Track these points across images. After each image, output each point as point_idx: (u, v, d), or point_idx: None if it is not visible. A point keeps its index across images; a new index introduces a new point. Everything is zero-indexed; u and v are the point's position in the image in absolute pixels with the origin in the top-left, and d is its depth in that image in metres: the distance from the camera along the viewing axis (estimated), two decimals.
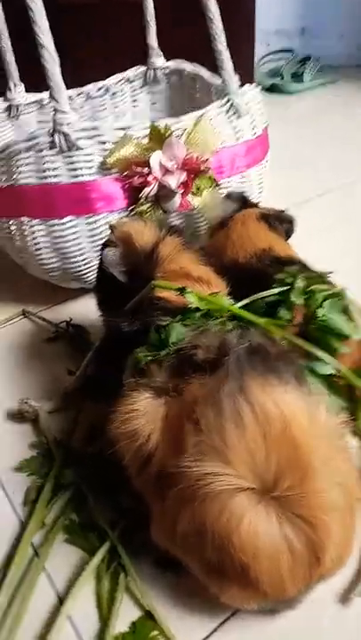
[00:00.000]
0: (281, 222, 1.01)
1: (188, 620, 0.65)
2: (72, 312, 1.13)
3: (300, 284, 0.74)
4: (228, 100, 1.12)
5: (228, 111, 1.12)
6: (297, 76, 2.44)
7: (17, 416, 0.89)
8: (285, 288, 0.75)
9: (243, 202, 1.05)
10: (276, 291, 0.76)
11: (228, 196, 1.06)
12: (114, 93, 1.43)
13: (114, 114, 1.47)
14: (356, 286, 0.81)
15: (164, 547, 0.65)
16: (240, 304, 0.74)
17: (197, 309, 0.72)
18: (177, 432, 0.62)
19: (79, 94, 1.38)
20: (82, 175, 1.00)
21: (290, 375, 0.62)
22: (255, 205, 1.06)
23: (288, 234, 1.04)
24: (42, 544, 0.72)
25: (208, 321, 0.72)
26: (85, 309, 1.14)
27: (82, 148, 0.98)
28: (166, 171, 1.03)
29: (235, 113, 1.13)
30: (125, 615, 0.65)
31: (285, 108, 2.25)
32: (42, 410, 0.88)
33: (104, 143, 1.00)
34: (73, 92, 1.36)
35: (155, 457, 0.62)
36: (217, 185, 1.09)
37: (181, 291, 0.71)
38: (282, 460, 0.56)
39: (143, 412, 0.65)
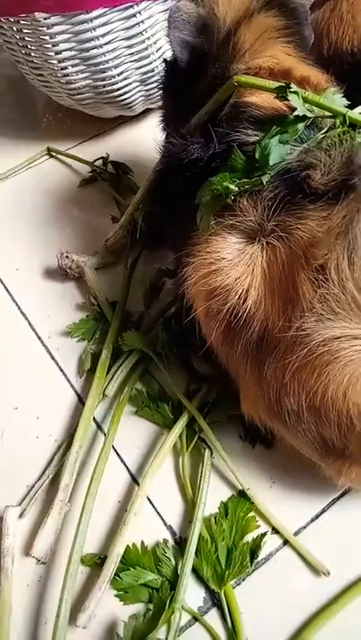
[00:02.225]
0: None
1: (289, 499, 0.55)
2: (108, 148, 0.90)
3: None
4: None
5: None
6: None
7: (58, 273, 0.74)
8: None
9: None
10: None
11: None
12: None
13: None
14: None
15: (260, 422, 0.54)
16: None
17: (302, 118, 0.51)
18: (287, 283, 0.46)
19: None
20: None
21: None
22: None
23: None
24: (106, 418, 0.62)
25: (318, 134, 0.51)
26: (125, 143, 0.92)
27: None
28: None
29: None
30: (213, 496, 0.55)
31: None
32: (87, 266, 0.73)
33: None
34: None
35: (255, 318, 0.47)
36: None
37: (282, 91, 0.49)
38: None
39: (234, 261, 0.48)
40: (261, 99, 0.52)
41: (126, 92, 0.85)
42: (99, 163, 0.87)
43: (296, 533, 0.54)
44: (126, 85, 0.84)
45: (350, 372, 0.43)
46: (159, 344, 0.63)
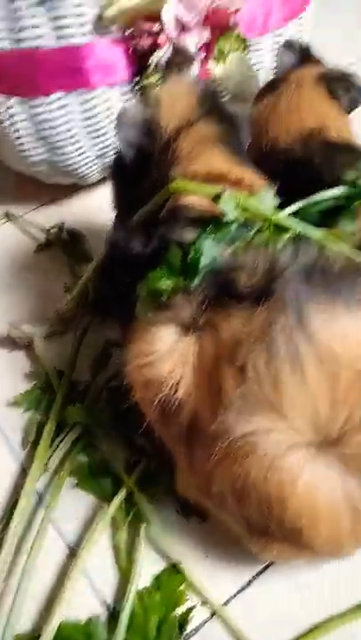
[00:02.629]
0: (346, 88, 0.80)
1: (219, 571, 0.58)
2: (64, 214, 0.95)
3: None
4: None
5: None
6: None
7: (7, 342, 0.76)
8: (348, 191, 0.59)
9: (304, 55, 0.82)
10: (335, 193, 0.60)
11: (287, 46, 0.83)
12: None
13: None
14: None
15: (192, 499, 0.57)
16: (288, 210, 0.59)
17: (234, 221, 0.56)
18: (213, 378, 0.50)
19: None
20: (72, 36, 0.76)
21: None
22: (321, 63, 0.83)
23: (352, 105, 0.83)
24: (48, 491, 0.64)
25: (248, 234, 0.57)
26: (80, 210, 0.97)
27: None
28: (183, 27, 0.80)
29: None
30: (148, 569, 0.58)
31: None
32: (36, 335, 0.75)
33: None
34: None
35: (185, 408, 0.51)
36: (246, 45, 0.87)
37: (215, 198, 0.54)
38: (354, 411, 0.45)
39: (168, 353, 0.52)
40: (197, 200, 0.58)
41: (83, 167, 0.90)
42: (55, 229, 0.91)
43: (226, 604, 0.57)
44: (83, 160, 0.89)
45: (268, 463, 0.47)
46: (102, 418, 0.66)
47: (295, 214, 0.58)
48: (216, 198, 0.55)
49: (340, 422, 0.46)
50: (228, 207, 0.55)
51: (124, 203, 0.67)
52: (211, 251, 0.53)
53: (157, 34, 0.78)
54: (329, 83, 0.76)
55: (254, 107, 0.86)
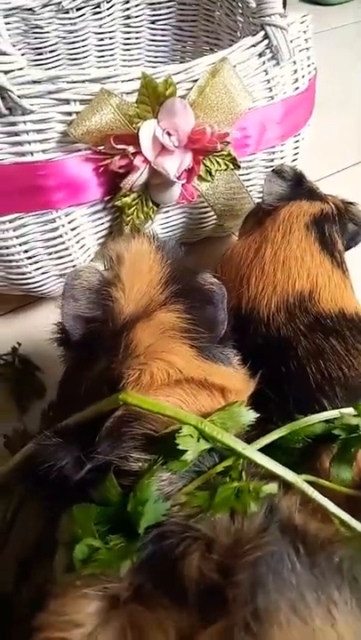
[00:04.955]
0: (342, 227, 0.69)
1: None
2: (23, 331, 0.83)
3: None
4: (264, 36, 0.74)
5: (262, 54, 0.74)
6: None
7: None
8: (344, 431, 0.46)
9: (298, 184, 0.73)
10: (324, 416, 0.47)
11: (278, 173, 0.73)
12: (97, 5, 1.01)
13: (96, 36, 1.05)
14: None
15: None
16: (263, 441, 0.46)
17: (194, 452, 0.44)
18: None
19: (45, 5, 0.95)
20: (31, 153, 0.65)
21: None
22: (314, 192, 0.73)
23: (352, 242, 0.73)
24: None
25: (212, 470, 0.44)
26: (43, 326, 0.84)
27: (31, 111, 0.63)
28: (163, 149, 0.68)
29: (273, 57, 0.75)
30: None
31: (322, 23, 1.74)
32: None
33: (67, 103, 0.64)
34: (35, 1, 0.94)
35: None
36: (236, 166, 0.75)
37: (172, 435, 0.42)
38: None
39: (86, 635, 0.40)
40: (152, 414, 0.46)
41: (44, 285, 0.78)
42: (9, 352, 0.79)
43: None
44: (44, 279, 0.77)
45: None
46: None
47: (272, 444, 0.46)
48: (173, 435, 0.43)
49: None
50: (187, 443, 0.43)
51: (68, 381, 0.55)
52: (156, 509, 0.41)
53: (132, 155, 0.67)
54: (322, 230, 0.65)
55: (238, 240, 0.75)
